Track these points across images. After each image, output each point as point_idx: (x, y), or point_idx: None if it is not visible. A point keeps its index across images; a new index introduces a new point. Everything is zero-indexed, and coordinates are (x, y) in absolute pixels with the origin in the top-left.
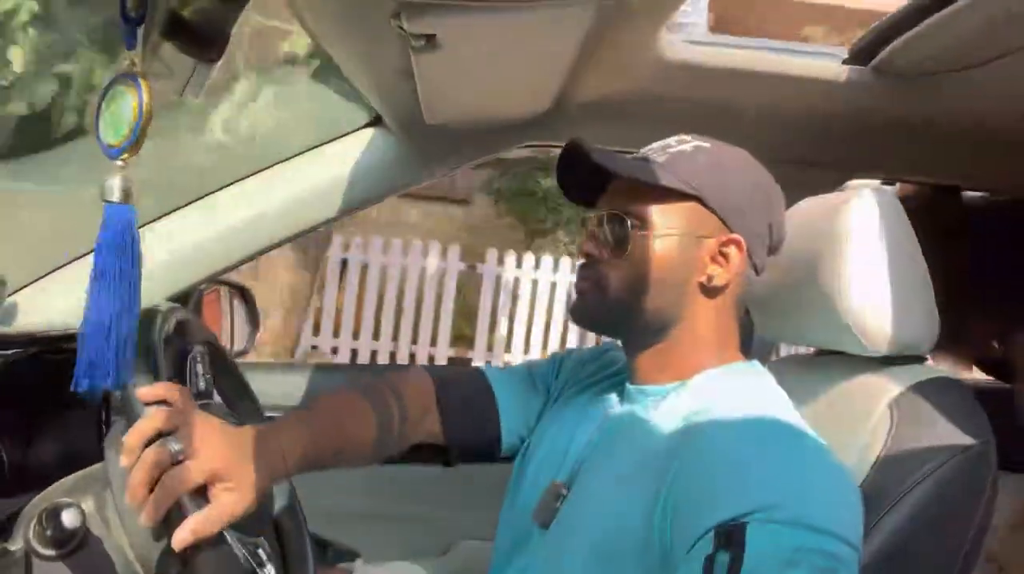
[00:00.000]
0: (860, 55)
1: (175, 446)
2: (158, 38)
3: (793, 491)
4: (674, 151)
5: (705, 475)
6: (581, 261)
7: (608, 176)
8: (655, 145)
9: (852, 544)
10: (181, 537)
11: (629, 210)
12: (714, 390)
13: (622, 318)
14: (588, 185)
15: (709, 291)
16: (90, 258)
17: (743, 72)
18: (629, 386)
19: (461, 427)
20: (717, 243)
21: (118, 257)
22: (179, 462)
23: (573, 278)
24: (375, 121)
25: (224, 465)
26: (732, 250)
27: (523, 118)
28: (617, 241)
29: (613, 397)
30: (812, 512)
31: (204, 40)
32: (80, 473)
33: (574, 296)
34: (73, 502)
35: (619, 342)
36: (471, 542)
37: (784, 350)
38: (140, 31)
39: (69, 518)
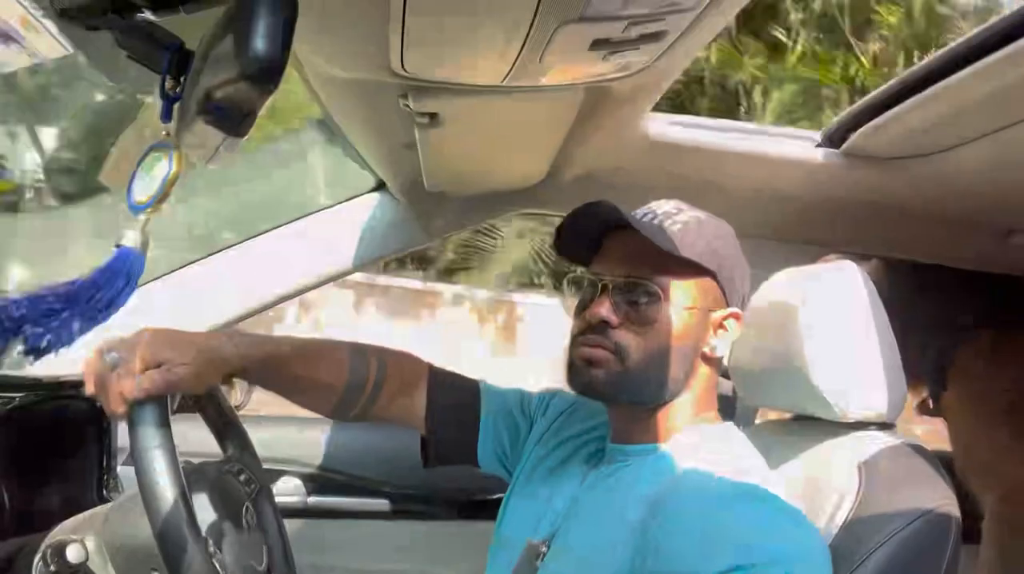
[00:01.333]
0: (832, 138)
1: (111, 355)
2: (193, 114)
3: (766, 553)
4: (681, 221)
5: (680, 540)
6: (588, 325)
7: (611, 236)
8: (651, 210)
9: None
10: (119, 390)
11: (655, 279)
12: (693, 452)
13: (633, 388)
14: (586, 245)
15: (708, 360)
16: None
17: (723, 152)
18: (611, 445)
19: (442, 420)
20: (720, 316)
21: (108, 286)
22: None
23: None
24: (379, 186)
25: (156, 350)
26: (732, 322)
27: (516, 188)
28: (642, 310)
29: (593, 456)
30: (780, 570)
31: (234, 118)
32: (84, 514)
33: (577, 361)
34: (77, 538)
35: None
36: None
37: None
38: (175, 107)
39: (73, 553)
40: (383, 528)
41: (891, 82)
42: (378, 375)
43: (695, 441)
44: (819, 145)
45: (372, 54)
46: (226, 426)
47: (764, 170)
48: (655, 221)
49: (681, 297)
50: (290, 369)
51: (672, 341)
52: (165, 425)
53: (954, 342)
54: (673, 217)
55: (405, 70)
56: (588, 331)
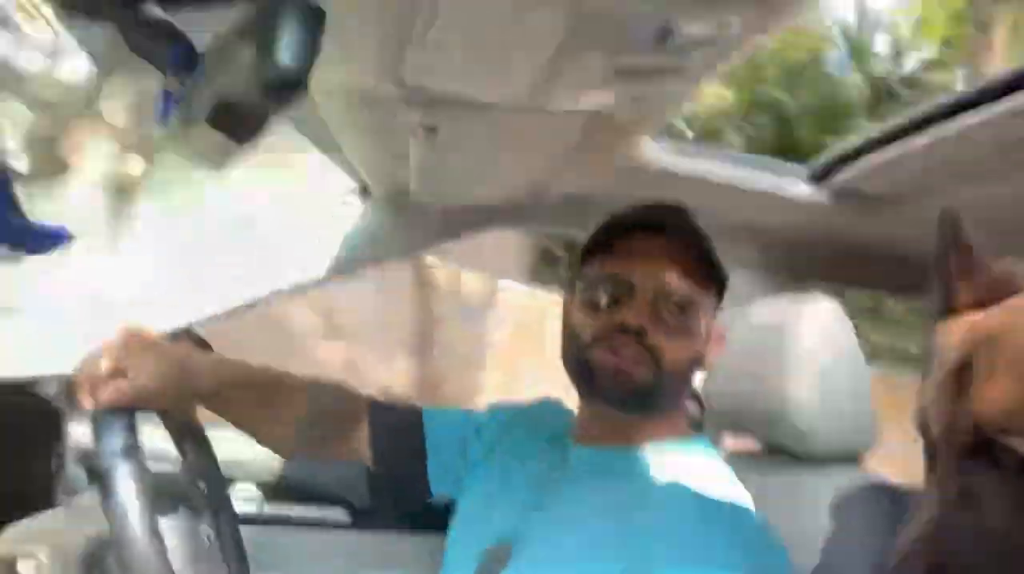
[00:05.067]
0: (820, 175)
1: (91, 356)
2: (199, 117)
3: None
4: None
5: (650, 549)
6: (621, 328)
7: (635, 233)
8: (674, 210)
9: None
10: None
11: (692, 288)
12: (674, 460)
13: (661, 397)
14: (609, 241)
15: (699, 371)
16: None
17: (715, 183)
18: (579, 447)
19: (387, 452)
20: (717, 331)
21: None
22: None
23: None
24: (362, 192)
25: (124, 357)
26: (717, 338)
27: (503, 203)
28: (680, 319)
29: (555, 458)
30: None
31: (245, 126)
32: (35, 522)
33: (611, 367)
34: (28, 551)
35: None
36: None
37: None
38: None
39: (25, 569)
40: (341, 538)
41: (886, 123)
42: (332, 408)
43: (673, 451)
44: (808, 180)
45: (385, 64)
46: (187, 433)
47: (752, 202)
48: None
49: (707, 309)
50: (251, 402)
51: (696, 354)
52: (129, 436)
53: None
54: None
55: (416, 82)
56: (621, 335)
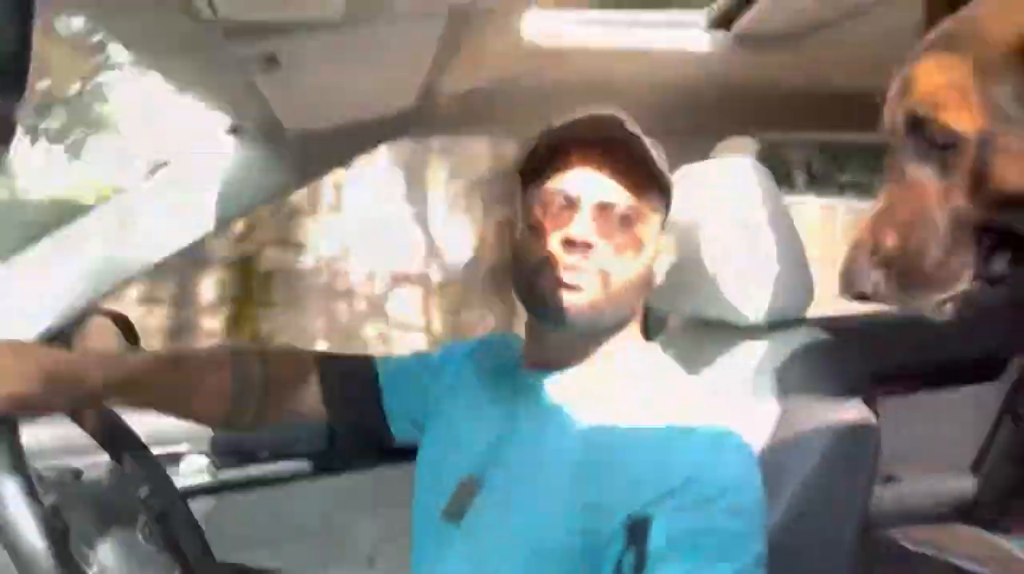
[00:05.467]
0: (720, 22)
1: None
2: None
3: (696, 474)
4: (649, 139)
5: (614, 467)
6: (565, 244)
7: (574, 145)
8: (606, 118)
9: (758, 521)
10: None
11: (639, 199)
12: (627, 373)
13: (611, 316)
14: (548, 158)
15: (650, 284)
16: None
17: (608, 51)
18: (533, 371)
19: (342, 405)
20: (664, 238)
21: None
22: None
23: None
24: (234, 129)
25: None
26: (664, 243)
27: (390, 115)
28: (627, 232)
29: (512, 388)
30: (714, 493)
31: None
32: None
33: (558, 288)
34: None
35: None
36: (394, 548)
37: None
38: None
39: None
40: (305, 489)
41: None
42: (262, 374)
43: (628, 361)
44: (707, 29)
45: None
46: (111, 432)
47: (653, 63)
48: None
49: (655, 220)
50: (168, 386)
51: (647, 267)
52: (8, 449)
53: None
54: (633, 129)
55: (217, 13)
56: (567, 253)
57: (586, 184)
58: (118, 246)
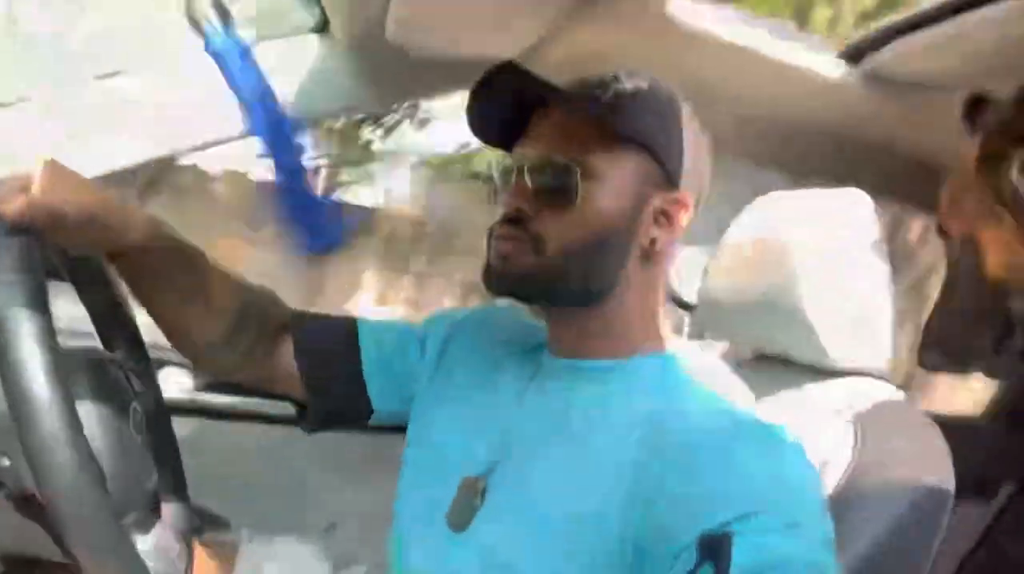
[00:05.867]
0: (852, 55)
1: None
2: None
3: (780, 496)
4: (616, 90)
5: (687, 477)
6: (504, 217)
7: (536, 112)
8: (587, 80)
9: (833, 552)
10: None
11: (576, 156)
12: (673, 376)
13: (554, 285)
14: (505, 122)
15: (648, 257)
16: None
17: (741, 48)
18: (552, 359)
19: (318, 373)
20: (663, 201)
21: None
22: None
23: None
24: (321, 27)
25: (40, 175)
26: (677, 210)
27: (492, 58)
28: (560, 192)
29: (531, 371)
30: (801, 519)
31: None
32: None
33: (493, 259)
34: None
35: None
36: (356, 519)
37: None
38: None
39: None
40: (285, 433)
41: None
42: (262, 311)
43: (668, 363)
44: (840, 59)
45: None
46: (109, 308)
47: (780, 78)
48: (585, 90)
49: (609, 175)
50: (186, 275)
51: (598, 228)
52: (27, 272)
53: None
54: (612, 85)
55: None
56: (503, 223)
57: (527, 149)
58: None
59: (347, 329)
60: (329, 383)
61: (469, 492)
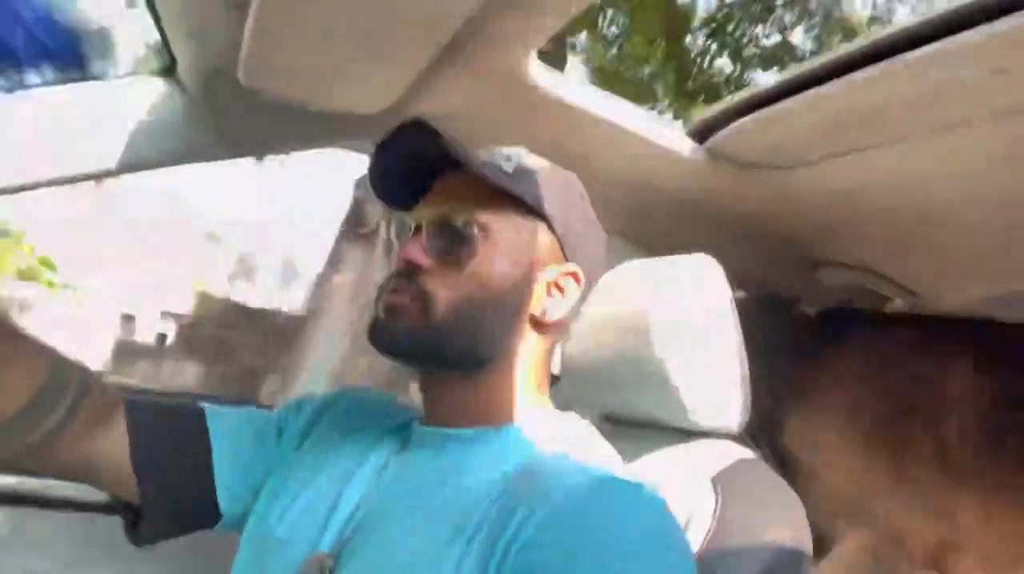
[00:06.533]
0: (698, 134)
1: None
2: None
3: (650, 551)
4: (519, 164)
5: (556, 545)
6: (395, 271)
7: (442, 173)
8: (495, 150)
9: None
10: None
11: (474, 217)
12: (545, 441)
13: (440, 345)
14: (406, 184)
15: (539, 326)
16: None
17: (599, 120)
18: (422, 428)
19: (156, 460)
20: (557, 273)
21: None
22: None
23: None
24: (168, 70)
25: None
26: (570, 283)
27: (351, 113)
28: (455, 251)
29: (394, 444)
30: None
31: None
32: None
33: (380, 313)
34: None
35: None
36: None
37: None
38: None
39: None
40: (103, 522)
41: (767, 84)
42: (80, 387)
43: (541, 428)
44: (688, 137)
45: None
46: None
47: (634, 149)
48: (488, 159)
49: (505, 242)
50: None
51: (490, 293)
52: None
53: (796, 365)
54: (513, 159)
55: None
56: (394, 276)
57: (428, 207)
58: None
59: (192, 413)
60: (170, 479)
61: (313, 569)
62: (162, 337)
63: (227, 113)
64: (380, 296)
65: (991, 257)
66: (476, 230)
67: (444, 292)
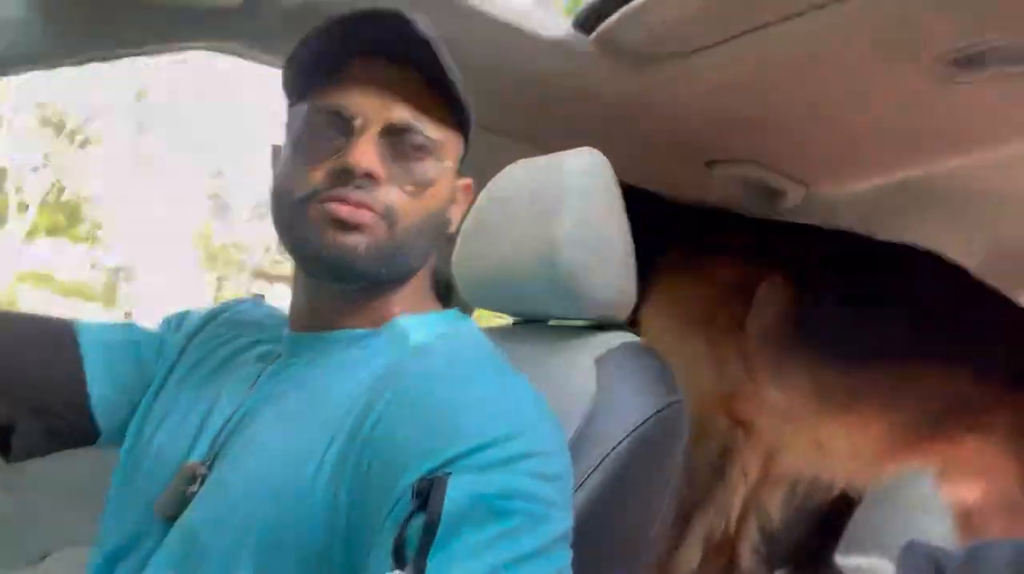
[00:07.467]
0: (584, 23)
1: None
2: None
3: (505, 431)
4: (426, 33)
5: (405, 425)
6: (348, 176)
7: (363, 66)
8: (392, 11)
9: (566, 493)
10: None
11: (433, 127)
12: (417, 334)
13: (391, 264)
14: (321, 68)
15: (442, 236)
16: None
17: (472, 10)
18: (296, 334)
19: (22, 372)
20: (461, 183)
21: None
22: None
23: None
24: None
25: None
26: (463, 194)
27: (207, 8)
28: (419, 166)
29: (268, 352)
30: (524, 454)
31: None
32: None
33: (329, 226)
34: None
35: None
36: (72, 550)
37: None
38: None
39: None
40: None
41: None
42: None
43: (418, 323)
44: (574, 27)
45: None
46: None
47: (513, 42)
48: (447, 64)
49: (452, 161)
50: None
51: (437, 209)
52: None
53: (650, 258)
54: (443, 49)
55: None
56: (342, 184)
57: (370, 102)
58: None
59: (60, 324)
60: (39, 393)
61: (184, 478)
62: None
63: (63, 8)
64: (317, 201)
65: (871, 147)
66: (433, 144)
67: (406, 209)
